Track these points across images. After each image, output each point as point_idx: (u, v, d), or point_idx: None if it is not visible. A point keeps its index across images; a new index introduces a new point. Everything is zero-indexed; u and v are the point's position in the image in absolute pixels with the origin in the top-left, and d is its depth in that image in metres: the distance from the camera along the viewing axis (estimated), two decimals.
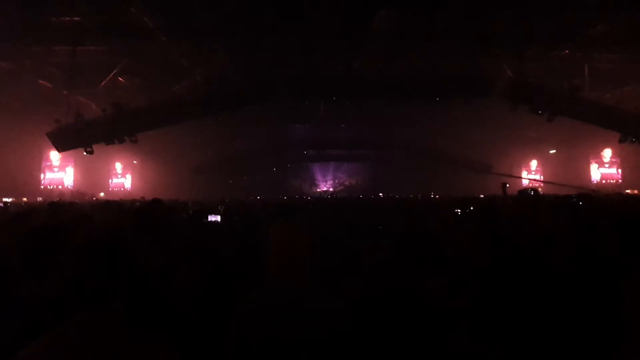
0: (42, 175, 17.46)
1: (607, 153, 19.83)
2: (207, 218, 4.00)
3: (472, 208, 4.10)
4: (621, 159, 19.00)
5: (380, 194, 19.43)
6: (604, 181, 19.48)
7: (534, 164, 23.34)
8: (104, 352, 1.04)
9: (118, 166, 21.23)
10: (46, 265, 1.37)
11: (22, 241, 1.41)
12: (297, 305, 1.33)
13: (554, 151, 21.34)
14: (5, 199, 10.63)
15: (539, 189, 17.78)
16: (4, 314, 1.30)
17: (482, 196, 11.72)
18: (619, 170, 19.38)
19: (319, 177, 27.01)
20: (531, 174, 23.01)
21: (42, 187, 17.13)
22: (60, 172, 18.03)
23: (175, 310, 1.81)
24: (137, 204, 6.96)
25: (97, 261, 1.16)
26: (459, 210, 3.77)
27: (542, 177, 22.55)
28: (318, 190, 26.54)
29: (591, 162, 20.28)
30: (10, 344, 1.05)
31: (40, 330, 1.06)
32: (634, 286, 1.29)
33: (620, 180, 18.97)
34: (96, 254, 1.18)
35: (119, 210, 5.05)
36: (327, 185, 27.07)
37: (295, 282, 1.38)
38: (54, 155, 17.11)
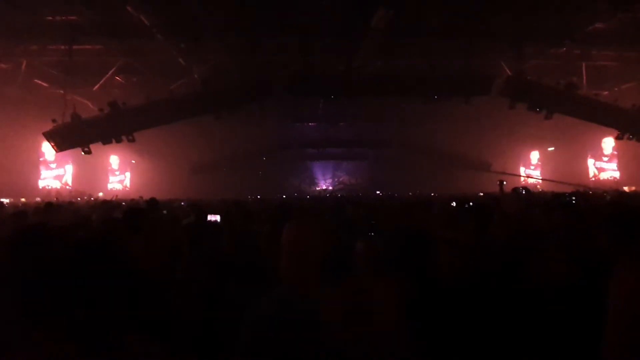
0: (39, 176, 17.39)
1: (608, 144, 19.14)
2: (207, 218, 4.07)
3: (470, 204, 4.10)
4: (619, 155, 19.02)
5: (378, 192, 19.44)
6: (602, 178, 19.48)
7: (534, 156, 23.15)
8: (96, 350, 1.04)
9: (114, 160, 20.62)
10: (37, 264, 1.37)
11: (12, 239, 1.40)
12: (311, 308, 1.26)
13: (552, 148, 21.37)
14: (2, 199, 10.60)
15: (538, 186, 17.74)
16: None
17: (481, 194, 11.74)
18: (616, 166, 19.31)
19: (318, 175, 26.98)
20: (530, 169, 23.02)
21: (40, 187, 17.08)
22: (58, 171, 17.98)
23: (173, 312, 1.80)
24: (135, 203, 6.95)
25: (87, 261, 1.16)
26: (454, 203, 3.77)
27: (540, 173, 22.56)
28: (317, 189, 26.52)
29: (589, 159, 20.29)
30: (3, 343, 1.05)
31: (31, 330, 1.06)
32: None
33: (617, 178, 18.98)
34: (87, 254, 1.17)
35: (116, 210, 5.05)
36: (327, 184, 27.04)
37: (308, 284, 1.33)
38: (51, 155, 17.04)
